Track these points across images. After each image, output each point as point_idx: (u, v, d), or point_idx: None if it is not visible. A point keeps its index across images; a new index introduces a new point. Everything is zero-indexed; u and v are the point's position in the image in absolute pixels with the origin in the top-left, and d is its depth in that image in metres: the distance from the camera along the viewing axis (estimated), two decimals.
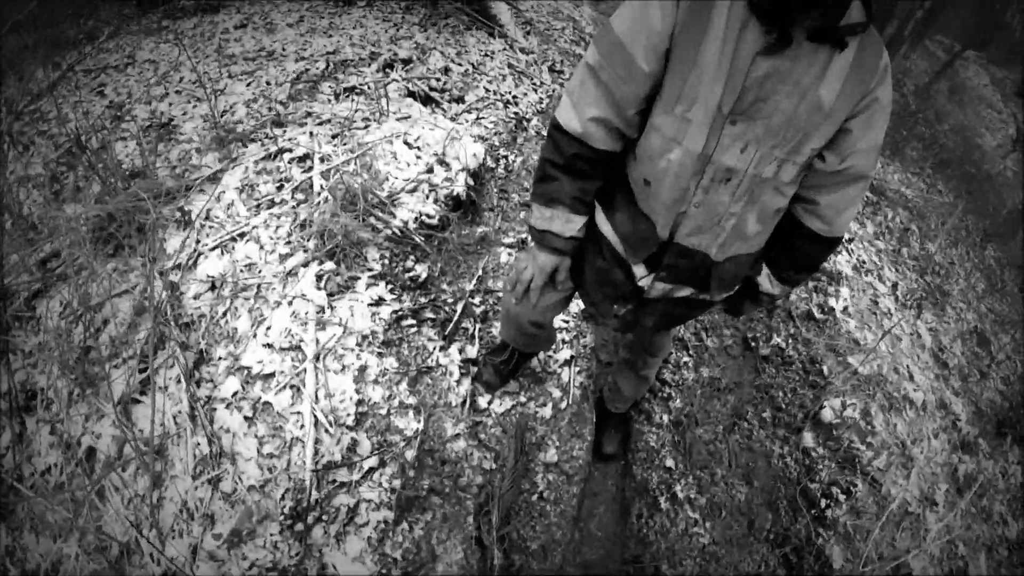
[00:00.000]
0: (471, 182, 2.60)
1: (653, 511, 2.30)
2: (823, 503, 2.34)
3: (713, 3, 1.15)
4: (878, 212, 4.39)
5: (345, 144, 2.50)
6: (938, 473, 2.61)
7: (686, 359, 2.66)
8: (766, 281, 1.53)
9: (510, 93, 3.53)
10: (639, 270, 1.46)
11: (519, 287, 1.55)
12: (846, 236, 3.34)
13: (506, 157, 3.08)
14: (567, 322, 2.47)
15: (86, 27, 3.45)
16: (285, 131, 2.63)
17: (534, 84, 3.81)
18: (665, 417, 2.48)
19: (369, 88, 2.92)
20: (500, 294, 2.40)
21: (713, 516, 2.31)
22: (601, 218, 1.47)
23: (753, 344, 2.77)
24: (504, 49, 3.90)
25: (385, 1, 4.00)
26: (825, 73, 1.14)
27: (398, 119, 2.72)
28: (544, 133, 3.41)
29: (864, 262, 3.38)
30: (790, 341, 2.77)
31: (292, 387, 1.80)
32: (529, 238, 1.48)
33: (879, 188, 4.70)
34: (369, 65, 3.20)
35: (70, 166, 2.53)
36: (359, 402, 1.83)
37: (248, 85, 3.02)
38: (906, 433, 2.63)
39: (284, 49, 3.32)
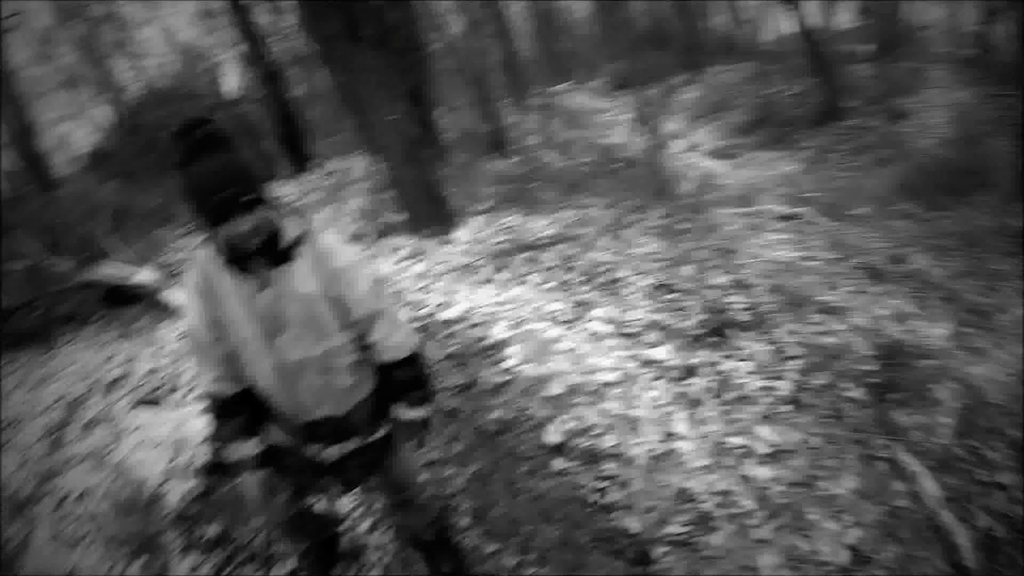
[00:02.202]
0: (209, 452, 3.34)
1: None
2: (596, 497, 2.72)
3: (212, 281, 1.68)
4: (536, 263, 4.88)
5: (104, 471, 3.36)
6: (671, 410, 3.13)
7: (451, 471, 3.01)
8: (402, 411, 1.90)
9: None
10: (311, 450, 1.86)
11: (252, 506, 2.09)
12: (495, 309, 4.06)
13: None
14: (356, 498, 2.85)
15: None
16: (59, 480, 3.37)
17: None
18: (466, 519, 2.76)
19: (104, 415, 3.87)
20: None
21: (545, 562, 2.52)
22: (273, 430, 1.89)
23: (484, 429, 3.19)
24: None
25: (81, 328, 4.87)
26: (302, 275, 1.66)
27: (134, 430, 3.63)
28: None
29: (520, 318, 3.96)
30: (501, 409, 3.25)
31: None
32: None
33: (528, 245, 5.19)
34: (96, 394, 4.11)
35: None
36: None
37: (9, 457, 3.70)
38: (619, 407, 3.12)
39: (20, 412, 4.07)
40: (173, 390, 4.17)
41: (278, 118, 11.38)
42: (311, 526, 2.21)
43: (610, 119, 13.22)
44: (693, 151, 10.95)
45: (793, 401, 3.14)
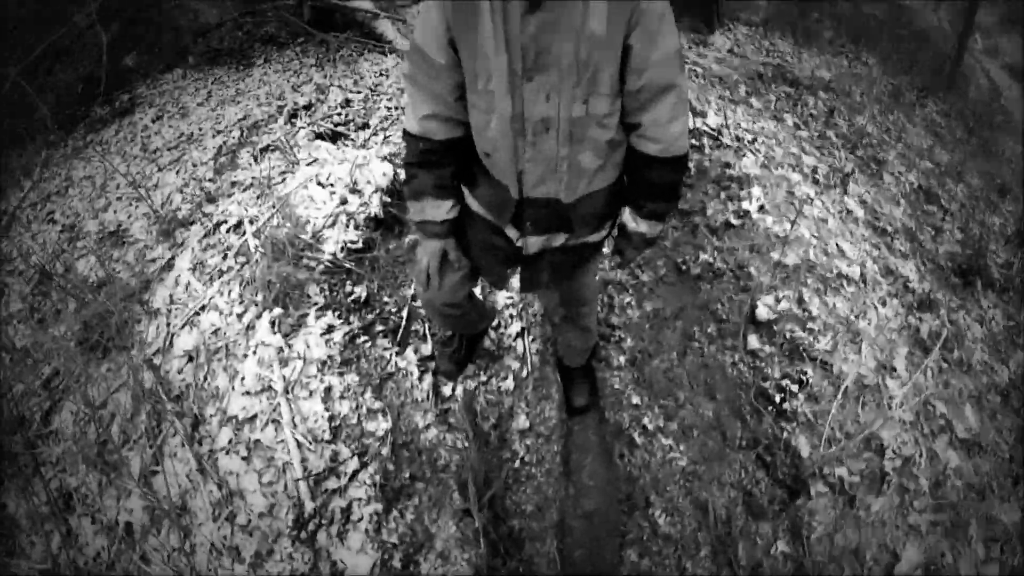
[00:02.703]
0: (387, 199, 2.85)
1: (632, 448, 2.41)
2: (778, 398, 2.39)
3: None
4: (797, 103, 4.41)
5: (268, 202, 2.78)
6: (895, 339, 2.62)
7: (628, 299, 2.83)
8: (630, 220, 1.64)
9: None
10: (511, 232, 1.62)
11: (421, 275, 1.77)
12: (748, 137, 3.46)
13: None
14: (511, 298, 2.70)
15: (20, 163, 3.73)
16: (218, 205, 2.92)
17: None
18: (621, 358, 2.64)
19: (281, 143, 3.19)
20: None
21: (686, 438, 2.42)
22: (469, 197, 1.66)
23: (684, 267, 2.91)
24: (397, 64, 4.10)
25: (281, 51, 4.24)
26: (588, 7, 1.26)
27: (308, 164, 2.99)
28: None
29: (774, 157, 3.45)
30: (716, 254, 2.87)
31: (273, 422, 2.09)
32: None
33: (792, 79, 4.75)
34: (277, 120, 3.48)
35: (44, 294, 2.83)
36: (331, 418, 2.10)
37: (177, 173, 3.30)
38: (848, 309, 2.66)
39: (201, 129, 3.60)
40: (363, 127, 3.50)
41: None
42: (467, 316, 2.06)
43: None
44: (991, 56, 8.95)
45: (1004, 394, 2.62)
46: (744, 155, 3.32)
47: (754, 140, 3.45)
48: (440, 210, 1.62)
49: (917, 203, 3.62)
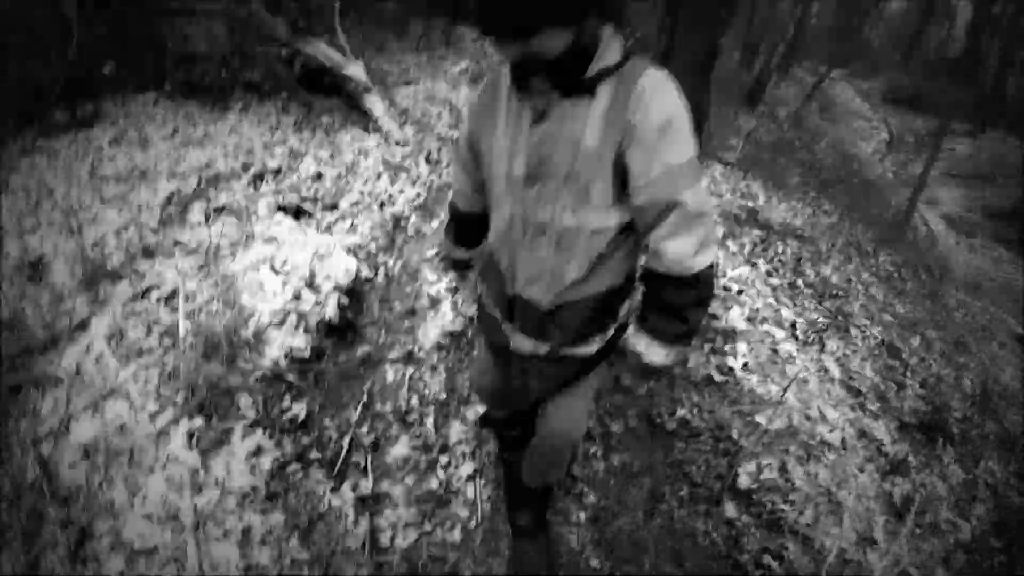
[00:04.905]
0: (345, 301, 2.54)
1: None
2: (758, 574, 2.25)
3: (499, 95, 1.43)
4: (768, 248, 4.47)
5: (211, 278, 2.40)
6: (873, 508, 2.56)
7: (593, 449, 2.59)
8: (632, 333, 1.52)
9: (386, 192, 3.48)
10: (506, 327, 1.64)
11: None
12: (735, 287, 3.37)
13: (385, 263, 3.01)
14: (466, 432, 2.42)
15: None
16: (153, 264, 2.51)
17: (411, 179, 3.77)
18: (582, 514, 2.37)
19: (239, 207, 2.83)
20: (390, 418, 2.40)
21: None
22: (481, 286, 1.74)
23: (658, 421, 2.71)
24: (379, 144, 3.88)
25: (262, 102, 3.93)
26: (587, 121, 1.29)
27: (265, 241, 2.65)
28: (422, 230, 3.41)
29: (758, 310, 3.38)
30: (694, 411, 2.71)
31: (175, 561, 1.68)
32: None
33: (764, 223, 4.84)
34: (240, 178, 3.12)
35: None
36: (246, 569, 1.71)
37: (120, 211, 2.87)
38: (830, 479, 2.59)
39: (157, 166, 3.18)
40: (332, 208, 3.26)
41: None
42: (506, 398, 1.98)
43: (864, 129, 12.36)
44: (930, 206, 9.87)
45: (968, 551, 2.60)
46: (731, 307, 3.23)
47: (741, 292, 3.36)
48: (457, 253, 1.91)
49: (881, 358, 3.64)
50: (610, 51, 1.28)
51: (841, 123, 12.24)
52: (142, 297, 2.34)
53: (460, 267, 1.96)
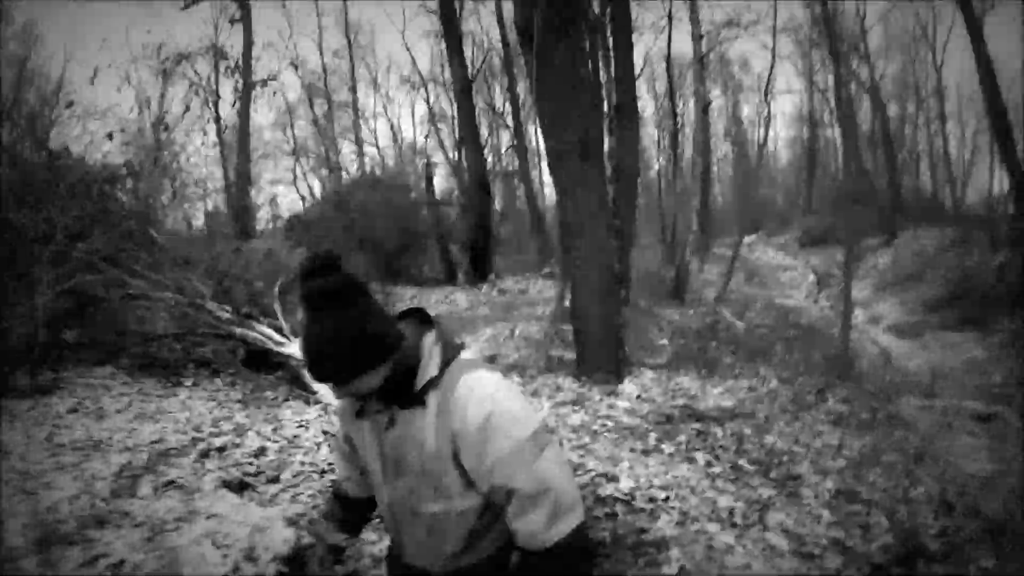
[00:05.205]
0: (284, 570, 2.79)
1: None
2: None
3: (355, 404, 1.61)
4: (707, 438, 4.45)
5: (155, 550, 2.76)
6: None
7: None
8: None
9: (325, 461, 3.81)
10: None
11: None
12: (662, 495, 3.45)
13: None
14: None
15: None
16: (103, 534, 2.86)
17: None
18: None
19: (186, 483, 3.30)
20: None
21: None
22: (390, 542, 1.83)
23: None
24: (319, 416, 4.34)
25: (211, 378, 4.59)
26: (424, 427, 1.46)
27: (207, 517, 3.02)
28: None
29: (687, 512, 3.35)
30: None
31: None
32: None
33: (700, 415, 4.91)
34: (189, 454, 3.60)
35: None
36: None
37: (74, 479, 3.27)
38: None
39: (111, 439, 3.67)
40: (274, 480, 3.62)
41: (472, 225, 11.78)
42: None
43: (793, 278, 13.27)
44: (874, 324, 10.58)
45: None
46: (659, 516, 3.28)
47: (667, 498, 3.47)
48: (335, 537, 1.84)
49: (839, 508, 3.56)
50: (432, 361, 1.47)
51: (770, 281, 12.68)
52: (92, 564, 2.70)
53: (325, 562, 1.85)
